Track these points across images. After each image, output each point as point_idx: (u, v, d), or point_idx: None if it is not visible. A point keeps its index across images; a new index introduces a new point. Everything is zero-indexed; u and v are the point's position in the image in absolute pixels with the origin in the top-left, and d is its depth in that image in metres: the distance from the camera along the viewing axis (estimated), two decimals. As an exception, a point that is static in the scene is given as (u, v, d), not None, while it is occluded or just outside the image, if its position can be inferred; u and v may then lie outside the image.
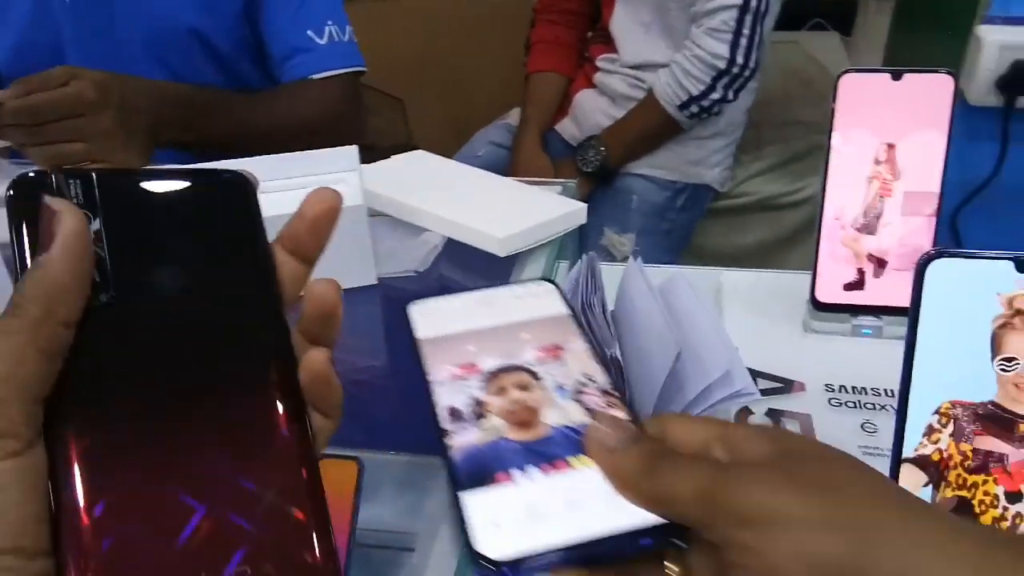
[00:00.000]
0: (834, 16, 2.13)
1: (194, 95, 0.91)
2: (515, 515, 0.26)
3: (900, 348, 0.61)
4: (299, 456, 0.25)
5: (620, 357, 0.43)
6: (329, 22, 1.00)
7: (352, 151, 0.69)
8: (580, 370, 0.31)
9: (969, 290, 0.38)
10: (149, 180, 0.27)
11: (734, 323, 0.61)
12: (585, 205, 0.67)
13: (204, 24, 0.96)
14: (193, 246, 0.27)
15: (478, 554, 0.25)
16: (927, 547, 0.22)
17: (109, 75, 0.80)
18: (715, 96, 1.27)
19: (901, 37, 1.69)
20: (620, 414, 0.29)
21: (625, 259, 1.35)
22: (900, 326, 0.62)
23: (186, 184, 0.28)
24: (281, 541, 0.24)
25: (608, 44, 1.42)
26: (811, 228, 1.42)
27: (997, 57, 1.10)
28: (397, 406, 0.57)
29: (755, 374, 0.56)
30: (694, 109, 1.28)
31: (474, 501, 0.26)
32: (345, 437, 0.40)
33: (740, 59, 1.24)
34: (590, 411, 0.29)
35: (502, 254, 0.62)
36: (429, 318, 0.35)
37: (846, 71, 0.59)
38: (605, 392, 0.30)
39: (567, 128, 1.46)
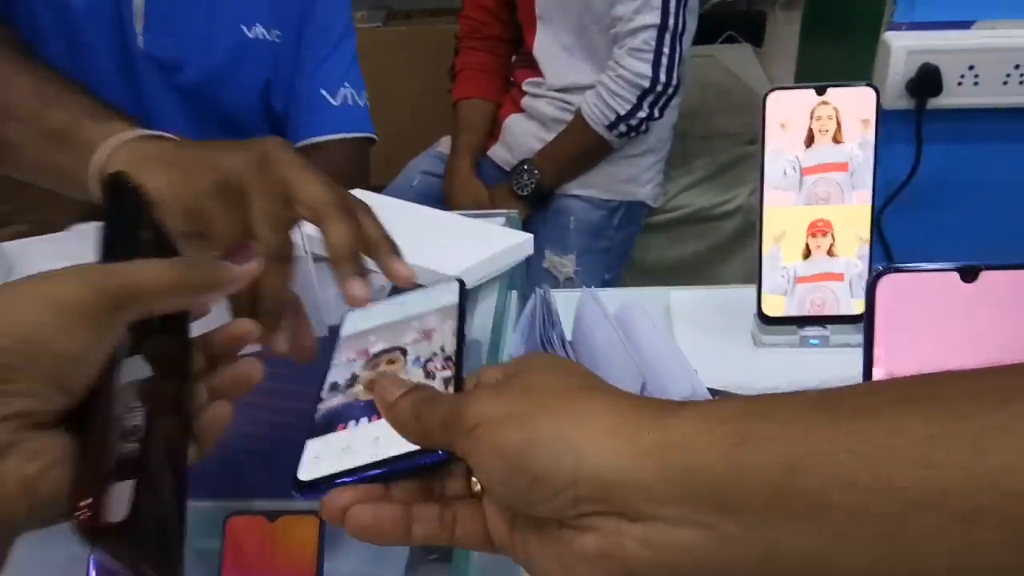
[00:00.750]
0: (745, 28, 2.21)
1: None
2: (334, 452, 0.33)
3: (848, 356, 0.63)
4: None
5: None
6: (345, 84, 0.96)
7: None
8: (439, 345, 0.38)
9: (917, 300, 0.39)
10: None
11: (686, 341, 0.62)
12: (531, 236, 0.66)
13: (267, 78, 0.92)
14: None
15: (294, 479, 0.33)
16: (582, 422, 0.27)
17: None
18: (641, 114, 1.29)
19: (809, 47, 1.76)
20: (449, 374, 0.36)
21: (568, 280, 1.35)
22: (846, 334, 0.64)
23: None
24: None
25: (533, 68, 1.44)
26: (744, 237, 1.47)
27: (905, 61, 1.15)
28: None
29: (713, 392, 0.57)
30: (622, 128, 1.30)
31: (313, 444, 0.35)
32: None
33: (663, 77, 1.26)
34: (428, 375, 0.36)
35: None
36: (357, 319, 0.45)
37: (772, 89, 0.61)
38: (447, 359, 0.37)
39: (499, 153, 1.46)
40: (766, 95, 0.60)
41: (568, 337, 0.51)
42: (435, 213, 0.72)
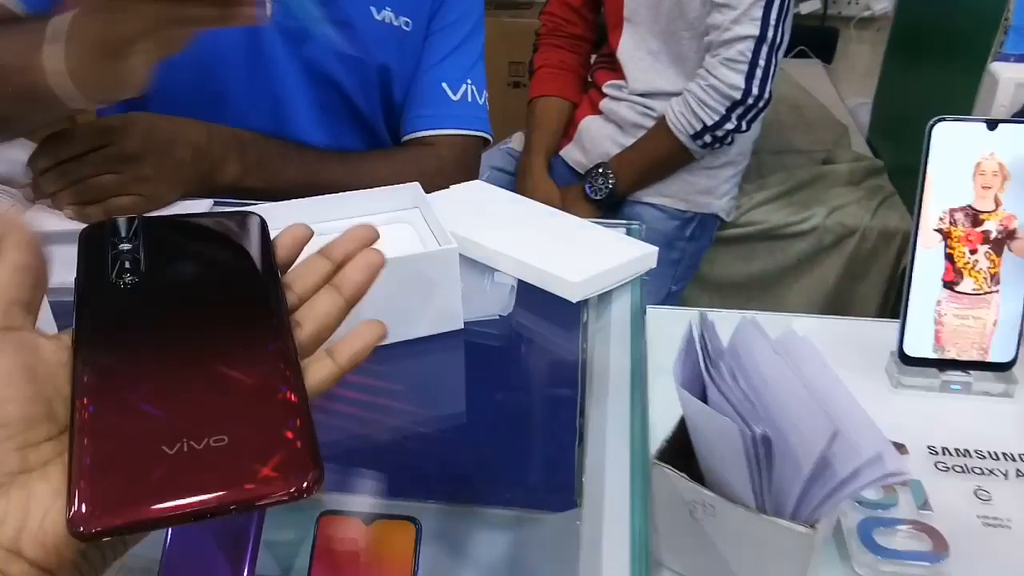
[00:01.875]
0: (816, 44, 2.17)
1: (263, 143, 0.84)
2: None
3: (991, 405, 0.61)
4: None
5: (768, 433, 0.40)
6: (468, 80, 0.93)
7: (414, 187, 0.65)
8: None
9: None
10: (181, 221, 0.37)
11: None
12: (655, 249, 0.64)
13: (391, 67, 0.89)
14: (208, 258, 0.35)
15: None
16: None
17: (158, 124, 0.75)
18: (729, 126, 1.25)
19: (895, 68, 1.71)
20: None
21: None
22: (989, 381, 0.61)
23: (210, 222, 0.38)
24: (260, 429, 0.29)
25: (614, 70, 1.40)
26: (815, 258, 1.43)
27: (1013, 94, 1.11)
28: (468, 456, 0.53)
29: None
30: (707, 139, 1.27)
31: None
32: (404, 488, 0.47)
33: (755, 90, 1.23)
34: None
35: (574, 299, 0.59)
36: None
37: (939, 120, 0.57)
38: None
39: (572, 154, 1.44)
40: (932, 125, 0.57)
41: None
42: (556, 214, 0.69)
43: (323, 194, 0.85)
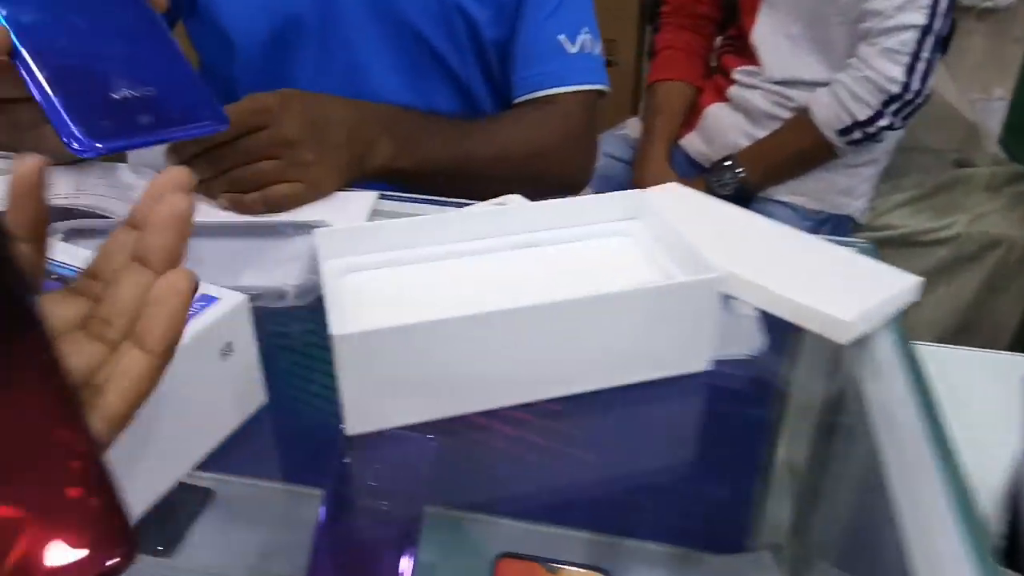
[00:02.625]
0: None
1: (409, 119, 0.77)
2: None
3: None
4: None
5: None
6: (584, 29, 0.84)
7: (635, 195, 0.56)
8: None
9: None
10: None
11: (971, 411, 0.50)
12: (919, 279, 0.54)
13: (476, 11, 0.81)
14: None
15: None
16: None
17: (312, 104, 0.68)
18: (882, 123, 1.15)
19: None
20: None
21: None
22: None
23: None
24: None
25: (743, 55, 1.30)
26: (954, 269, 1.33)
27: None
28: (698, 508, 0.45)
29: None
30: (856, 136, 1.16)
31: None
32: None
33: (916, 84, 1.12)
34: None
35: (845, 341, 0.50)
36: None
37: None
38: None
39: (694, 143, 1.34)
40: None
41: None
42: (787, 232, 0.60)
43: (465, 169, 0.80)
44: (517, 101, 0.86)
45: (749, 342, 0.50)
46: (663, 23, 1.38)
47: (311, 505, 0.40)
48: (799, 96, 1.23)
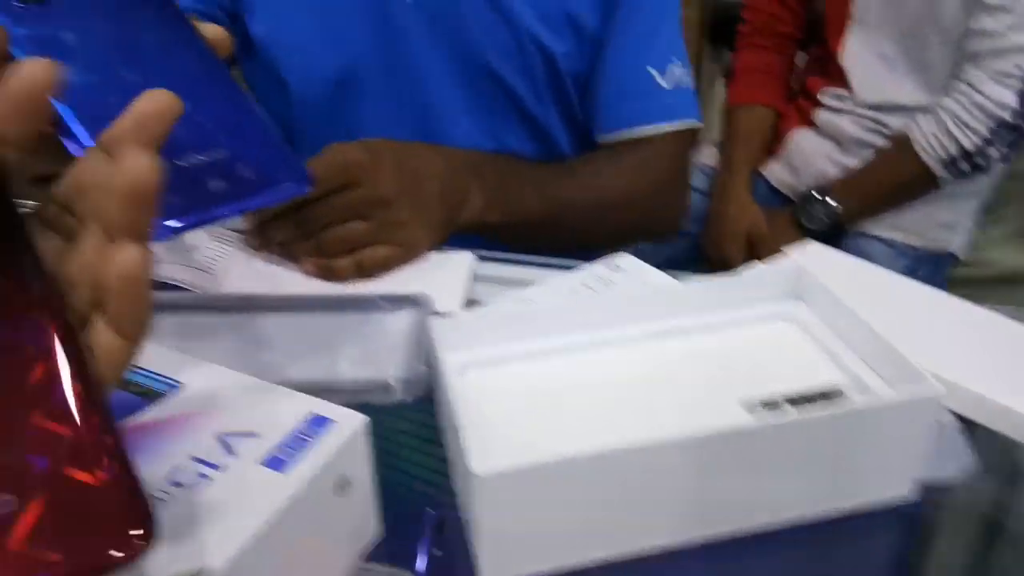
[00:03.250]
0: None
1: (499, 166, 0.70)
2: None
3: None
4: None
5: None
6: (675, 60, 0.77)
7: (795, 270, 0.48)
8: None
9: None
10: None
11: None
12: None
13: (555, 45, 0.74)
14: None
15: None
16: None
17: (404, 156, 0.61)
18: (992, 153, 1.05)
19: None
20: None
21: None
22: None
23: None
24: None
25: (830, 76, 1.21)
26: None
27: None
28: None
29: None
30: (963, 166, 1.07)
31: None
32: None
33: (1031, 110, 1.02)
34: None
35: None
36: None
37: None
38: None
39: (777, 172, 1.25)
40: None
41: None
42: (973, 311, 0.52)
43: (559, 218, 0.72)
44: (604, 140, 0.79)
45: (959, 461, 0.42)
46: (741, 43, 1.30)
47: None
48: (895, 122, 1.14)
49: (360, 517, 0.38)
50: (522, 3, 0.72)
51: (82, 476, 0.22)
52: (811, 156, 1.21)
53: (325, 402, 0.37)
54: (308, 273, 0.59)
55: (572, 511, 0.36)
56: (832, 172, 1.18)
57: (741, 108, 1.26)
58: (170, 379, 0.38)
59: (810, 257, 0.58)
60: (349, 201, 0.57)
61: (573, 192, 0.74)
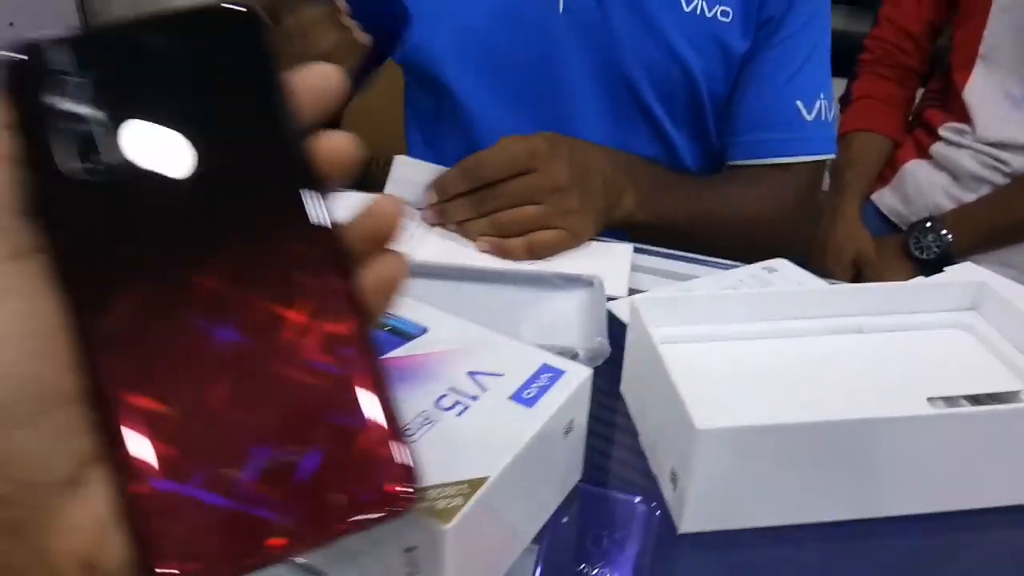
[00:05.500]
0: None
1: (652, 171, 0.75)
2: None
3: None
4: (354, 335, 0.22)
5: None
6: (822, 95, 0.81)
7: (976, 285, 0.51)
8: None
9: None
10: (146, 29, 0.23)
11: None
12: None
13: (699, 66, 0.79)
14: (206, 100, 0.23)
15: None
16: None
17: (577, 150, 0.66)
18: (1121, 199, 1.05)
19: None
20: None
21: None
22: None
23: (186, 25, 0.23)
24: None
25: (951, 111, 1.22)
26: None
27: None
28: None
29: None
30: (1089, 209, 1.07)
31: None
32: None
33: None
34: None
35: None
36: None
37: None
38: None
39: (887, 200, 1.26)
40: None
41: None
42: None
43: (698, 226, 0.76)
44: (744, 162, 0.83)
45: None
46: (862, 71, 1.32)
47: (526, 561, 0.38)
48: (1015, 160, 1.14)
49: (575, 460, 0.43)
50: (671, 22, 0.76)
51: (359, 426, 0.22)
52: (926, 188, 1.22)
53: (553, 355, 0.42)
54: (482, 250, 0.64)
55: (775, 474, 0.40)
56: (946, 205, 1.19)
57: (857, 134, 1.28)
58: (418, 324, 0.43)
59: (975, 274, 0.60)
60: (527, 186, 0.62)
61: (712, 206, 0.78)
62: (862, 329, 0.49)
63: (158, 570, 0.19)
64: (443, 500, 0.32)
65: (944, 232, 1.16)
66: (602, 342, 0.52)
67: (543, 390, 0.39)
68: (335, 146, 0.23)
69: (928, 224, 1.17)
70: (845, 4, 2.01)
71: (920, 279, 0.58)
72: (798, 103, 0.80)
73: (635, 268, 0.65)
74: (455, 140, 0.84)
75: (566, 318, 0.56)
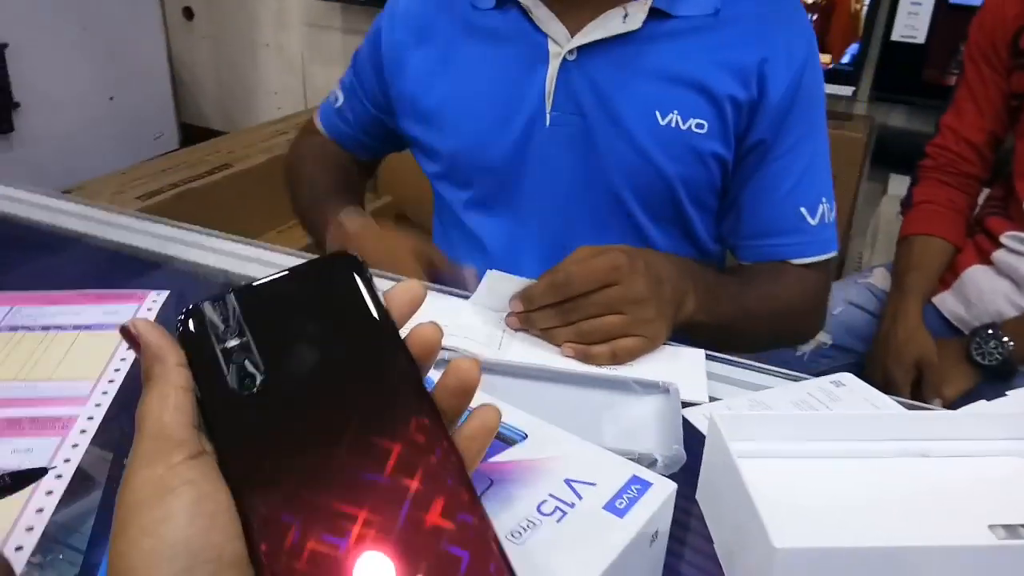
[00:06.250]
0: None
1: (705, 274, 0.81)
2: None
3: None
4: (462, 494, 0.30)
5: None
6: (824, 199, 0.87)
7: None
8: None
9: None
10: (275, 283, 0.33)
11: None
12: None
13: (675, 171, 0.85)
14: (322, 327, 0.32)
15: None
16: None
17: (651, 261, 0.72)
18: None
19: None
20: None
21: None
22: None
23: (304, 276, 0.34)
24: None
25: (1013, 218, 1.25)
26: None
27: None
28: None
29: None
30: None
31: None
32: None
33: None
34: None
35: None
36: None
37: None
38: None
39: (948, 304, 1.28)
40: None
41: None
42: None
43: (739, 324, 0.81)
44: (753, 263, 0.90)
45: None
46: (923, 176, 1.36)
47: None
48: (1078, 271, 1.16)
49: (657, 567, 0.46)
50: (647, 133, 0.82)
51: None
52: (988, 293, 1.24)
53: (640, 467, 0.46)
54: (567, 355, 0.69)
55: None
56: (1008, 312, 1.21)
57: (918, 238, 1.31)
58: (519, 430, 0.48)
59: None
60: (611, 298, 0.67)
61: (752, 302, 0.84)
62: (928, 453, 0.52)
63: None
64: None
65: (1006, 339, 1.17)
66: (679, 450, 0.56)
67: (632, 501, 0.43)
68: (424, 335, 0.33)
69: (990, 331, 1.19)
70: (904, 104, 2.06)
71: (983, 403, 0.61)
72: (802, 210, 0.86)
73: (710, 376, 0.69)
74: (460, 235, 0.96)
75: (644, 423, 0.60)
